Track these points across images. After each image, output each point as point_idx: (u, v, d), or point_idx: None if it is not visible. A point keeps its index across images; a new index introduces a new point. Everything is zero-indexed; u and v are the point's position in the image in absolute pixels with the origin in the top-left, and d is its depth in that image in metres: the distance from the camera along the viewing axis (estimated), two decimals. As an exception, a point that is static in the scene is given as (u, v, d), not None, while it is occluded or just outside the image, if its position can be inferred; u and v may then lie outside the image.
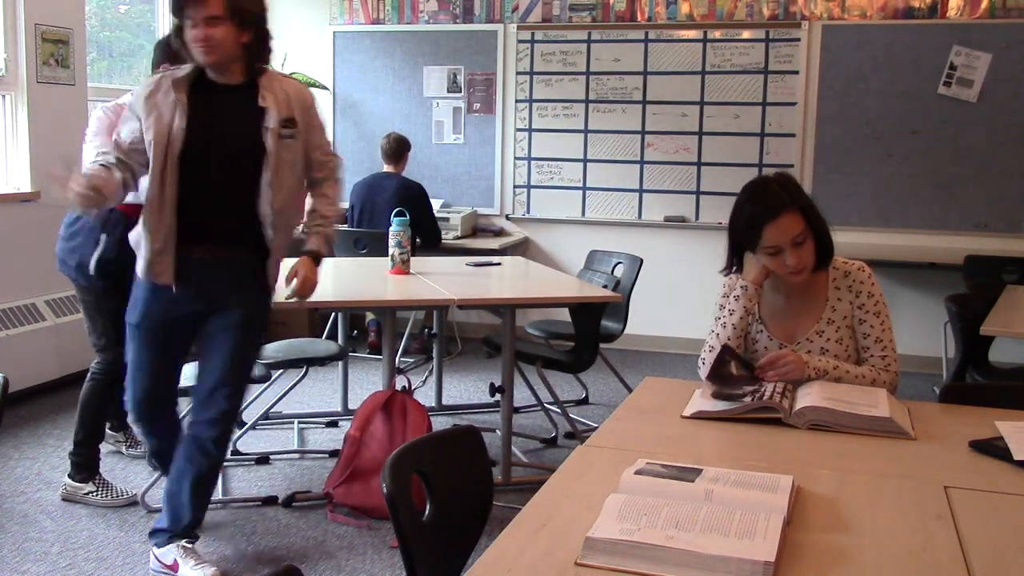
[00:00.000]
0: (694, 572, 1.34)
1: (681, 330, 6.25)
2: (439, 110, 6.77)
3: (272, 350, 4.10)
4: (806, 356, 2.35)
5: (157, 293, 2.90)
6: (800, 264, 2.35)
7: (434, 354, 5.17)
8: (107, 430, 3.96)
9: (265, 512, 3.57)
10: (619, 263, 4.95)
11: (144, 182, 2.93)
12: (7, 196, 4.91)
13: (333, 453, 4.12)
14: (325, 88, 6.74)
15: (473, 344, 6.17)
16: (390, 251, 4.32)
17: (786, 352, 2.35)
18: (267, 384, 4.10)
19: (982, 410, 2.24)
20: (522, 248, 6.58)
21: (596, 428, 2.25)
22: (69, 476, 3.64)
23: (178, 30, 2.79)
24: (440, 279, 4.21)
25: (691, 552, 1.35)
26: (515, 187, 6.69)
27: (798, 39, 6.06)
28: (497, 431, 4.16)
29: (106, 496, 3.58)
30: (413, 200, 5.53)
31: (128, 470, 3.93)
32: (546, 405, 4.61)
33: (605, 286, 4.21)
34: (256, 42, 2.83)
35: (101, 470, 3.67)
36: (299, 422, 4.63)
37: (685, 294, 6.26)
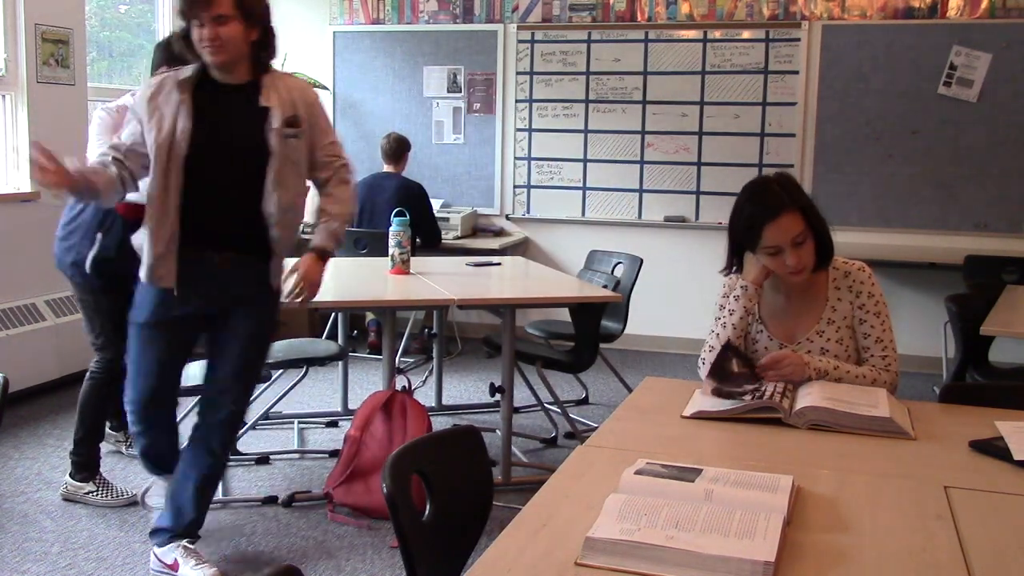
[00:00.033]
0: (694, 572, 1.34)
1: (681, 330, 6.25)
2: (439, 110, 6.77)
3: (272, 350, 4.09)
4: (807, 357, 2.35)
5: (162, 293, 2.88)
6: (800, 264, 2.35)
7: (434, 354, 5.17)
8: (107, 430, 3.97)
9: (265, 512, 3.57)
10: (619, 263, 4.95)
11: (144, 184, 2.92)
12: (7, 196, 4.92)
13: (333, 453, 4.12)
14: (325, 88, 6.74)
15: (473, 344, 6.17)
16: (390, 251, 4.32)
17: (788, 353, 2.35)
18: (267, 384, 4.10)
19: (982, 410, 2.24)
20: (522, 248, 6.58)
21: (596, 428, 2.25)
22: (70, 475, 3.64)
23: (183, 34, 2.76)
24: (440, 279, 4.21)
25: (691, 552, 1.35)
26: (515, 187, 6.69)
27: (798, 39, 6.06)
28: (497, 431, 4.16)
29: (106, 496, 3.58)
30: (413, 200, 5.53)
31: (128, 470, 3.93)
32: (546, 405, 4.61)
33: (605, 286, 4.21)
34: (263, 40, 2.81)
35: (101, 470, 3.67)
36: (299, 422, 4.63)
37: (685, 294, 6.26)
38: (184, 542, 3.00)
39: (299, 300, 2.98)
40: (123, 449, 4.09)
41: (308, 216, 4.64)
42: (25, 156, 4.95)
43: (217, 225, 2.87)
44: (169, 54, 3.35)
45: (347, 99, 6.89)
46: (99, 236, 3.48)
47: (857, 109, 6.00)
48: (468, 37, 6.66)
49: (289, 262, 3.03)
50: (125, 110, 3.49)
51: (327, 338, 5.19)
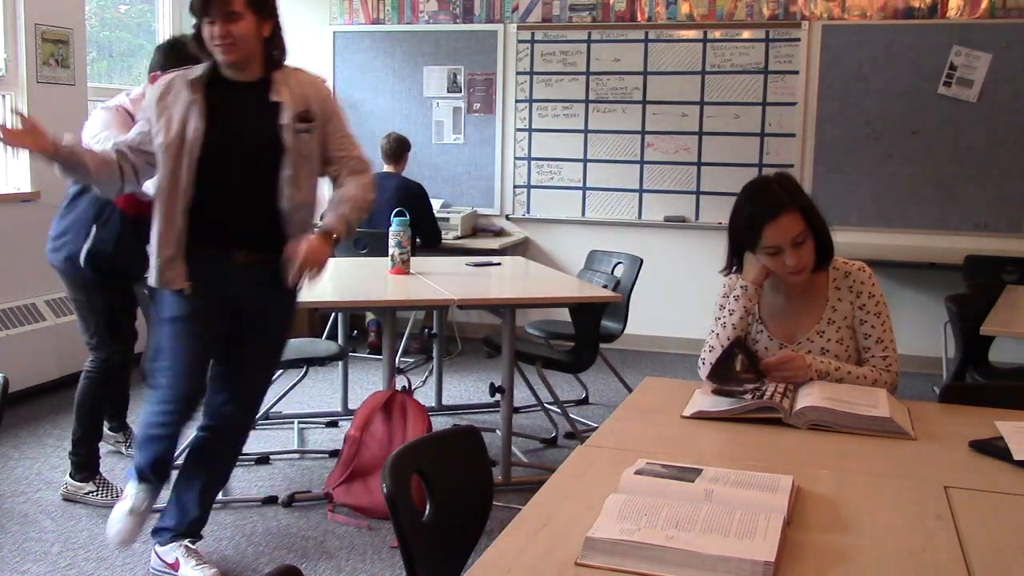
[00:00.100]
0: (694, 572, 1.34)
1: (681, 330, 6.25)
2: (439, 110, 6.77)
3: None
4: (808, 358, 2.35)
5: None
6: (800, 264, 2.35)
7: (434, 354, 5.17)
8: (107, 430, 3.97)
9: (265, 512, 3.57)
10: (619, 263, 4.95)
11: (149, 185, 2.91)
12: (7, 196, 4.92)
13: (333, 453, 4.12)
14: (325, 88, 6.73)
15: (473, 344, 6.17)
16: (390, 251, 4.32)
17: (794, 355, 2.35)
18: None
19: (982, 410, 2.24)
20: (522, 248, 6.58)
21: (596, 428, 2.25)
22: (70, 476, 3.64)
23: (196, 33, 2.73)
24: (440, 279, 4.21)
25: (691, 552, 1.35)
26: (515, 187, 6.69)
27: (798, 39, 6.06)
28: (497, 431, 4.16)
29: (106, 496, 3.58)
30: (413, 200, 5.53)
31: (128, 470, 3.92)
32: (546, 405, 4.61)
33: (605, 286, 4.21)
34: (275, 36, 2.78)
35: (101, 470, 3.67)
36: (299, 422, 4.63)
37: (685, 294, 6.26)
38: (186, 542, 3.00)
39: (303, 279, 2.83)
40: (123, 449, 4.09)
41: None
42: (25, 156, 4.95)
43: (231, 223, 2.83)
44: (168, 58, 3.35)
45: (347, 99, 6.88)
46: (94, 228, 3.47)
47: (857, 109, 6.00)
48: (468, 37, 6.66)
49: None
50: (123, 110, 3.49)
51: (327, 338, 5.19)
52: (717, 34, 6.21)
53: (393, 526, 1.62)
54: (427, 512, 1.72)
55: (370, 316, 6.21)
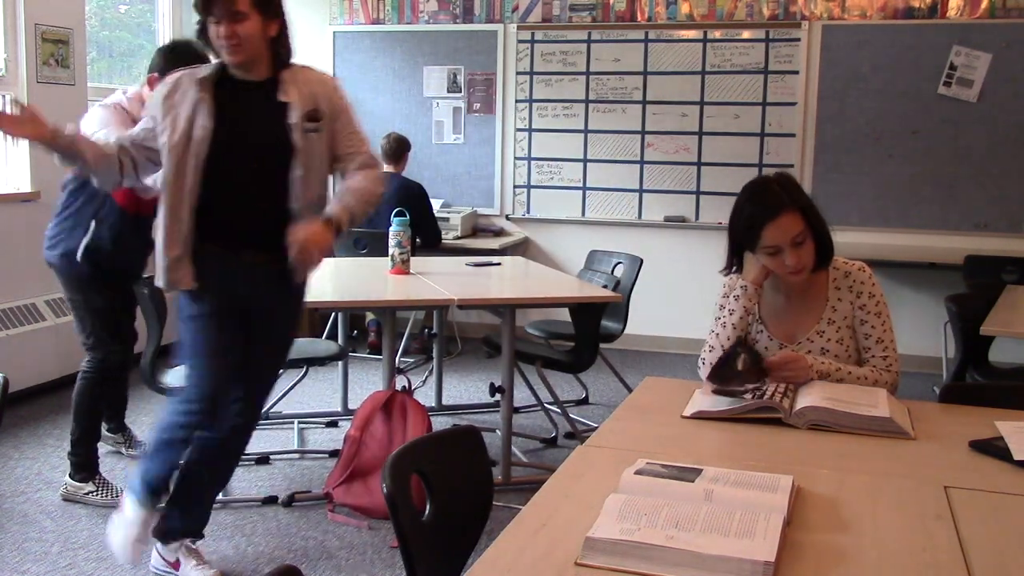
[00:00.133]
0: (694, 572, 1.34)
1: (681, 330, 6.25)
2: (439, 110, 6.77)
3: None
4: (809, 359, 2.35)
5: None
6: (800, 264, 2.35)
7: (434, 354, 5.17)
8: (105, 432, 3.96)
9: (265, 512, 3.57)
10: (619, 263, 4.95)
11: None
12: (7, 196, 4.92)
13: (333, 453, 4.12)
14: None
15: (473, 344, 6.17)
16: (390, 251, 4.32)
17: (796, 355, 2.35)
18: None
19: (982, 410, 2.24)
20: (522, 248, 6.58)
21: (596, 428, 2.25)
22: (69, 476, 3.64)
23: (202, 30, 2.71)
24: (440, 279, 4.21)
25: (691, 552, 1.35)
26: (515, 187, 6.69)
27: (798, 39, 6.06)
28: (497, 431, 4.16)
29: (106, 496, 3.58)
30: (413, 200, 5.53)
31: (128, 470, 3.92)
32: (546, 405, 4.61)
33: (605, 286, 4.21)
34: (282, 35, 2.76)
35: (101, 470, 3.67)
36: (299, 422, 4.63)
37: (685, 294, 6.26)
38: (187, 541, 3.00)
39: (302, 265, 2.74)
40: (123, 450, 4.08)
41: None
42: (26, 156, 4.96)
43: (238, 223, 2.82)
44: (169, 60, 3.35)
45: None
46: (93, 224, 3.47)
47: (857, 109, 6.00)
48: (468, 37, 6.66)
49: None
50: (120, 108, 3.48)
51: (327, 338, 5.19)
52: (717, 34, 6.21)
53: (393, 526, 1.62)
54: (427, 512, 1.72)
55: (370, 316, 6.21)
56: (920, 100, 5.89)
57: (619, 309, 4.82)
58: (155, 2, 6.30)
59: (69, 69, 5.13)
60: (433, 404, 4.93)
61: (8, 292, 4.82)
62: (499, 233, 6.65)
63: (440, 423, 4.47)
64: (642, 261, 4.89)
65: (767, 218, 2.33)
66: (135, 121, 3.22)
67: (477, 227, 6.65)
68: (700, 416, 2.15)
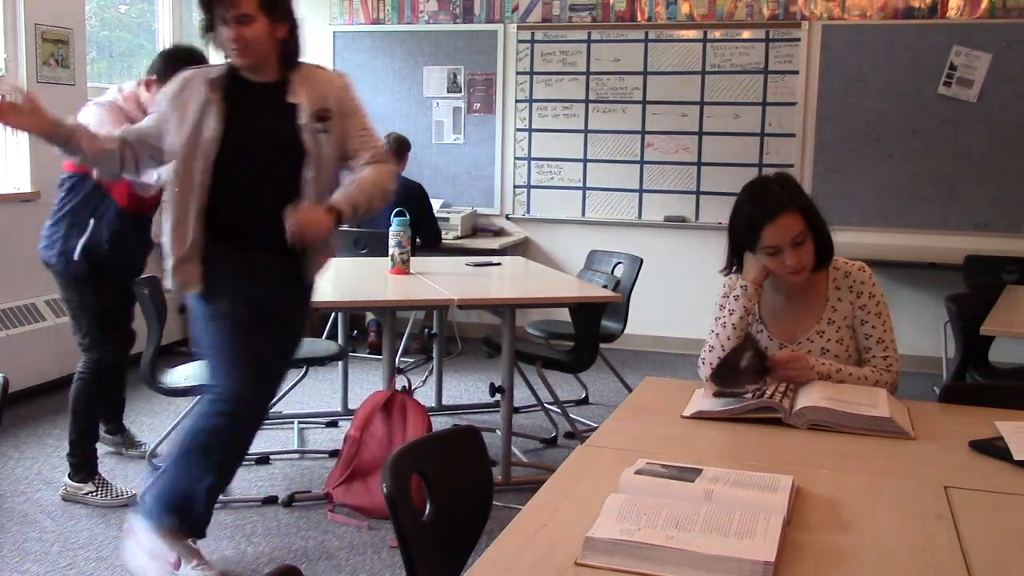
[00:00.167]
0: (694, 572, 1.34)
1: (681, 330, 6.25)
2: (439, 110, 6.77)
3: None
4: (811, 360, 2.35)
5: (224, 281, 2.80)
6: (799, 264, 2.35)
7: (434, 354, 5.17)
8: (103, 433, 3.95)
9: (265, 512, 3.57)
10: (619, 263, 4.95)
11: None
12: (7, 196, 4.92)
13: (333, 453, 4.12)
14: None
15: (473, 344, 6.17)
16: (390, 251, 4.32)
17: (800, 355, 2.35)
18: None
19: (982, 410, 2.24)
20: (522, 248, 6.58)
21: (596, 428, 2.25)
22: (68, 477, 3.64)
23: (208, 27, 2.68)
24: (440, 279, 4.21)
25: (691, 552, 1.35)
26: (515, 187, 6.69)
27: (798, 39, 6.06)
28: (497, 431, 4.16)
29: (106, 496, 3.58)
30: (413, 200, 5.53)
31: (128, 470, 3.93)
32: (546, 405, 4.61)
33: (605, 286, 4.21)
34: (291, 36, 2.74)
35: (101, 470, 3.67)
36: (299, 422, 4.63)
37: (685, 294, 6.26)
38: (188, 541, 2.99)
39: (298, 242, 2.70)
40: (123, 450, 4.08)
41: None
42: (26, 156, 4.96)
43: (248, 224, 2.80)
44: (169, 67, 3.34)
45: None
46: (92, 223, 3.46)
47: (857, 109, 6.00)
48: (468, 37, 6.66)
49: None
50: (116, 107, 3.46)
51: (327, 338, 5.19)
52: (717, 34, 6.21)
53: (393, 526, 1.62)
54: (427, 512, 1.72)
55: (370, 316, 6.21)
56: (920, 100, 5.89)
57: (619, 309, 4.82)
58: (155, 2, 6.30)
59: (69, 69, 5.13)
60: (433, 404, 4.93)
61: (8, 292, 4.82)
62: (499, 233, 6.65)
63: (440, 423, 4.47)
64: (642, 261, 4.89)
65: (767, 218, 2.33)
66: (131, 120, 3.21)
67: (477, 227, 6.66)
68: (700, 416, 2.15)
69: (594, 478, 1.76)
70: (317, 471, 4.01)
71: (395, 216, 4.33)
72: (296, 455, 4.23)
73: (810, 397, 2.14)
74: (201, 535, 3.03)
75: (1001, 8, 5.74)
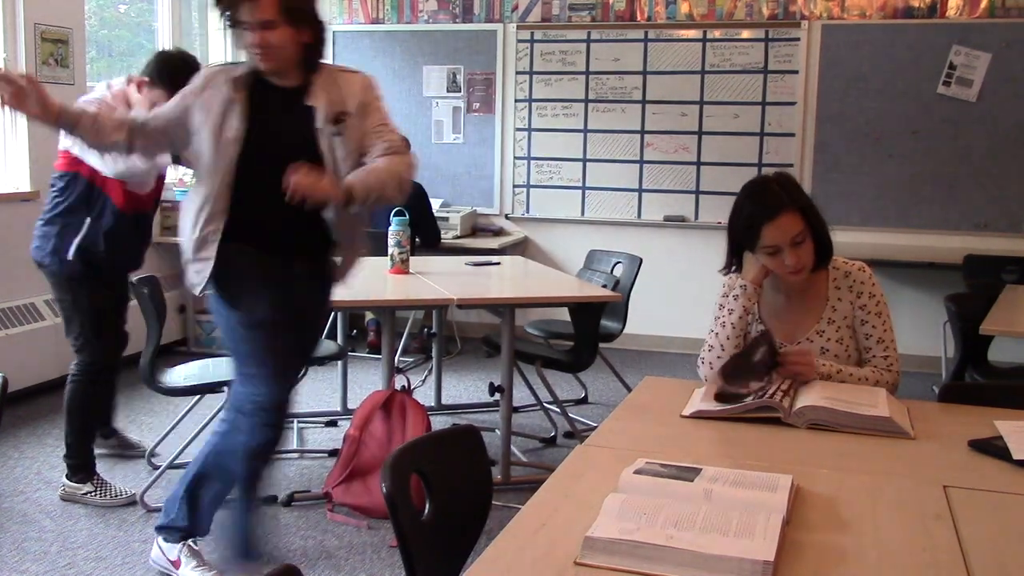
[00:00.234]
0: (694, 572, 1.34)
1: (681, 330, 6.25)
2: (439, 110, 6.77)
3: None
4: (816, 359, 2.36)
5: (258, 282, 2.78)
6: (799, 264, 2.35)
7: (433, 354, 5.16)
8: (99, 436, 3.93)
9: (265, 512, 3.56)
10: (619, 263, 4.95)
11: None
12: (7, 196, 4.91)
13: (332, 453, 4.12)
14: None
15: (473, 344, 6.16)
16: (389, 251, 4.32)
17: (808, 350, 2.36)
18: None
19: (981, 410, 2.23)
20: (522, 248, 6.58)
21: (596, 428, 2.25)
22: (67, 477, 3.63)
23: (232, 26, 2.66)
24: (440, 279, 4.21)
25: (691, 552, 1.35)
26: (515, 187, 6.69)
27: (798, 39, 6.06)
28: (497, 431, 4.16)
29: (105, 496, 3.58)
30: (412, 200, 5.48)
31: (127, 470, 3.92)
32: (546, 405, 4.61)
33: (604, 286, 4.21)
34: (315, 40, 2.72)
35: (99, 470, 3.66)
36: (298, 422, 4.62)
37: (685, 294, 6.26)
38: (189, 541, 2.99)
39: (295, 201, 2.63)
40: (121, 451, 4.07)
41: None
42: (25, 156, 4.95)
43: (267, 225, 2.78)
44: (163, 73, 3.33)
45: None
46: (88, 222, 3.44)
47: (857, 109, 6.00)
48: (468, 37, 6.66)
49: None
50: (107, 105, 3.44)
51: (326, 338, 5.17)
52: (717, 34, 6.21)
53: (392, 526, 1.62)
54: (426, 512, 1.72)
55: (369, 315, 6.21)
56: (920, 100, 5.89)
57: (618, 309, 4.82)
58: (155, 1, 6.30)
59: (69, 68, 5.13)
60: (432, 404, 4.93)
61: (7, 292, 4.82)
62: (498, 233, 6.65)
63: (439, 423, 4.47)
64: (641, 261, 4.89)
65: (767, 218, 2.33)
66: None
67: (476, 227, 6.65)
68: (699, 416, 2.15)
69: (593, 478, 1.76)
70: (316, 471, 4.00)
71: (394, 216, 4.33)
72: (295, 455, 4.23)
73: (810, 397, 2.14)
74: (203, 534, 3.03)
75: (1001, 8, 5.74)
